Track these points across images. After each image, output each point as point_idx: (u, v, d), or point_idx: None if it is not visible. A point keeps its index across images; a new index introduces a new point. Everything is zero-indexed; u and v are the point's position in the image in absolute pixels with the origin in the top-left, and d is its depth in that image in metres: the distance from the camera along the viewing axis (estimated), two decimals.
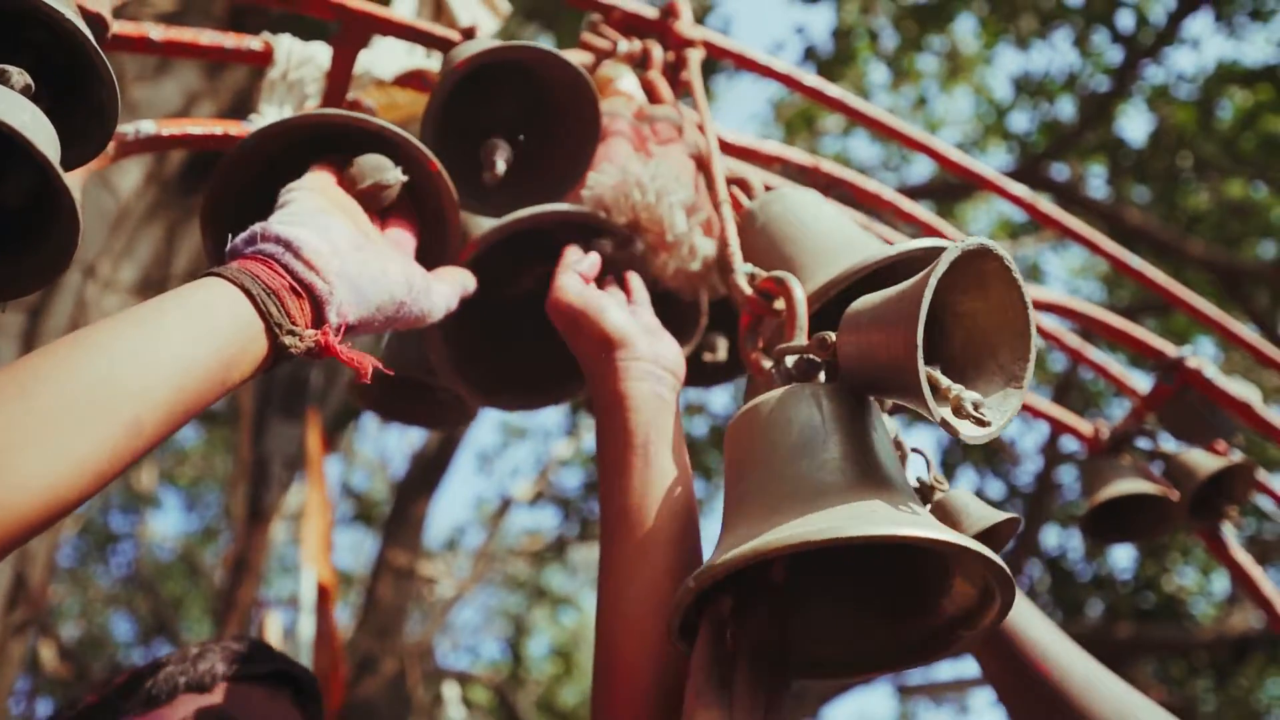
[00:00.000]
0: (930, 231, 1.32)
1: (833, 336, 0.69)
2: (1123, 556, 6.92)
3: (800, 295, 0.77)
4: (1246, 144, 5.51)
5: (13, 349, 2.73)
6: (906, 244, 0.80)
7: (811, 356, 0.72)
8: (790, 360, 0.74)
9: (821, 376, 0.74)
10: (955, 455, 6.35)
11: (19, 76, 0.62)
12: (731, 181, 1.01)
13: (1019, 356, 0.65)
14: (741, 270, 0.84)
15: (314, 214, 0.69)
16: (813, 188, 1.08)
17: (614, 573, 0.75)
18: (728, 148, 1.17)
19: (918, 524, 0.60)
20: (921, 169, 7.01)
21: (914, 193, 5.87)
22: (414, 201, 0.81)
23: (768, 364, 0.78)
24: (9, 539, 0.47)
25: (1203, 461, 1.24)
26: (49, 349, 0.53)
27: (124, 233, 3.19)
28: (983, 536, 0.83)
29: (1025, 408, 1.42)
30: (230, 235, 0.66)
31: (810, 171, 1.25)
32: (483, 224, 0.97)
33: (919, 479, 0.86)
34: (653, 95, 1.14)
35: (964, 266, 0.63)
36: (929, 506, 0.86)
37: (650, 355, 0.83)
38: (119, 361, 0.53)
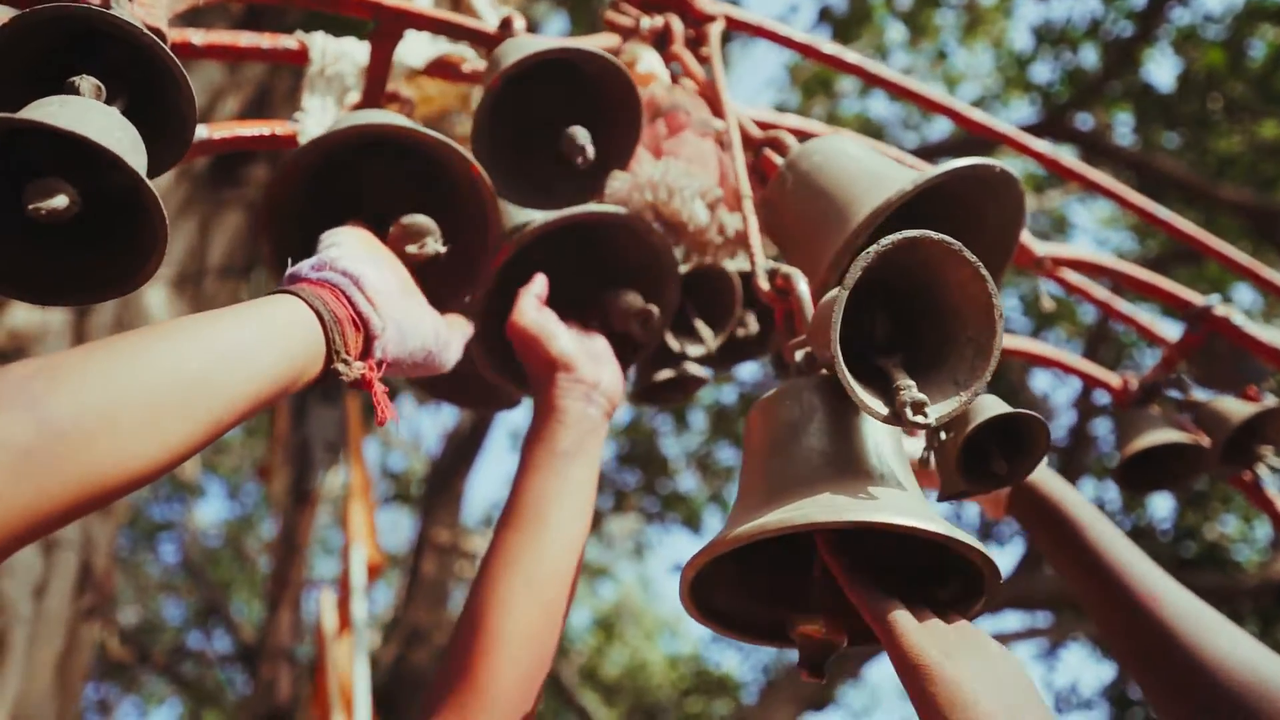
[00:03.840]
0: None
1: None
2: (1162, 506, 6.88)
3: (804, 289, 0.79)
4: (1279, 83, 5.39)
5: (62, 348, 2.82)
6: (922, 175, 0.80)
7: (810, 349, 0.75)
8: (799, 354, 0.77)
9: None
10: None
11: (86, 82, 0.65)
12: (764, 143, 1.02)
13: (986, 327, 0.66)
14: (762, 269, 0.86)
15: (368, 257, 0.74)
16: None
17: (501, 556, 0.81)
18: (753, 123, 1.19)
19: (864, 509, 0.62)
20: (943, 125, 6.92)
21: (935, 149, 5.81)
22: (456, 205, 0.85)
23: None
24: (99, 502, 0.51)
25: (1234, 408, 1.26)
26: (161, 332, 0.57)
27: None
28: (1014, 444, 0.79)
29: (1054, 363, 1.44)
30: (288, 239, 0.70)
31: (850, 136, 1.27)
32: (514, 216, 1.01)
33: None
34: (680, 70, 1.16)
35: (909, 253, 0.65)
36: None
37: (591, 378, 0.91)
38: (218, 364, 0.58)
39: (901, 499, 0.65)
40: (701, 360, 1.14)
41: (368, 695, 2.78)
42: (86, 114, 0.62)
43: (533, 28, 1.02)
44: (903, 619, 0.63)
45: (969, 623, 0.65)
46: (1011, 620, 7.07)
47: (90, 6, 0.65)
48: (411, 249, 0.80)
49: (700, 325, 1.10)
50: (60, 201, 0.60)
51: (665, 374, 1.11)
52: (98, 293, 0.67)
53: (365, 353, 0.70)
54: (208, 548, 9.73)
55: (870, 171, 0.85)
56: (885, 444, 0.71)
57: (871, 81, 1.39)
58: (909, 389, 0.65)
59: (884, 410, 0.65)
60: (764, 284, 0.86)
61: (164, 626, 9.44)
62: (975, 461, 0.75)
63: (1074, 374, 1.43)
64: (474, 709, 0.74)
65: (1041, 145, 1.44)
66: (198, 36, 1.03)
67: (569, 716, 8.40)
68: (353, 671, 2.75)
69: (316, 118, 1.03)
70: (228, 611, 7.83)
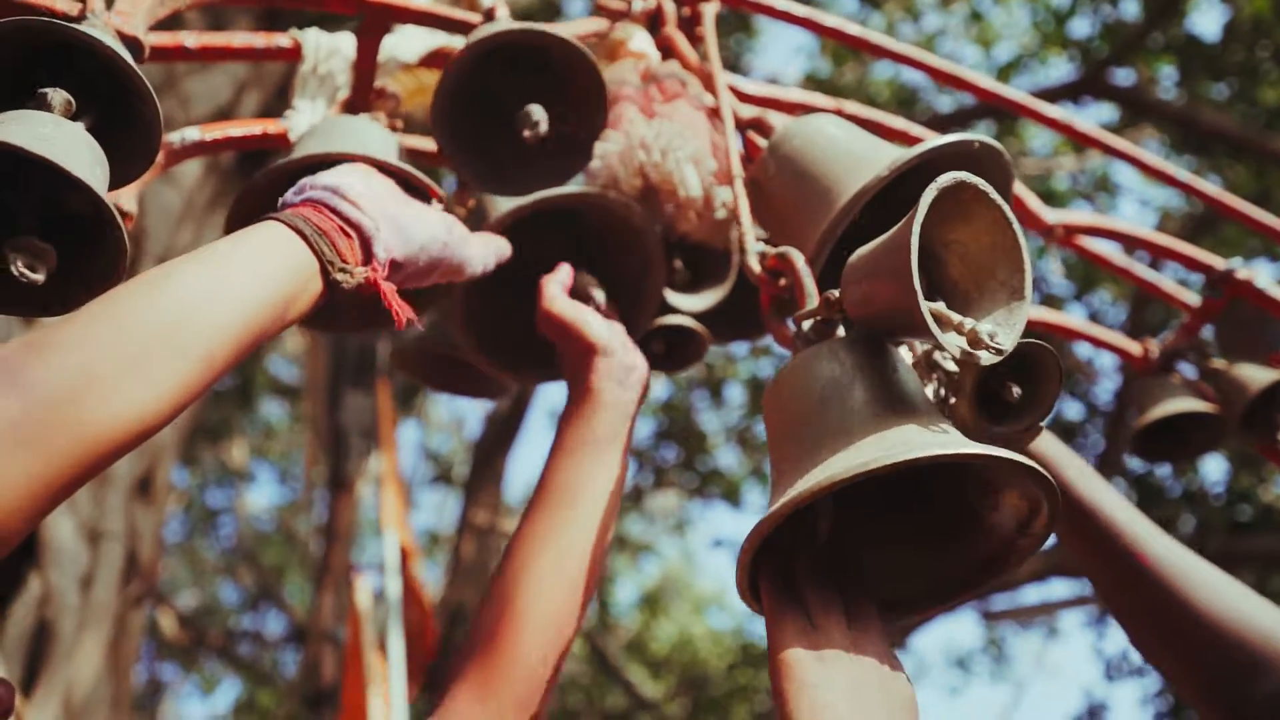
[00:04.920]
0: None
1: (836, 294, 0.71)
2: (1214, 469, 6.71)
3: (802, 266, 0.79)
4: None
5: None
6: (902, 155, 0.79)
7: (824, 317, 0.75)
8: (808, 325, 0.77)
9: (840, 331, 0.76)
10: None
11: (57, 95, 0.66)
12: (749, 124, 1.01)
13: (1015, 270, 0.67)
14: (753, 252, 0.85)
15: (353, 170, 0.75)
16: None
17: (530, 538, 0.83)
18: (749, 99, 1.17)
19: (941, 444, 0.61)
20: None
21: (970, 114, 5.67)
22: None
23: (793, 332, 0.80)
24: (103, 460, 0.52)
25: (1254, 375, 1.22)
26: (133, 285, 0.57)
27: (190, 224, 3.32)
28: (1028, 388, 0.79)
29: (1072, 332, 1.41)
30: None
31: (834, 115, 1.24)
32: (499, 205, 1.01)
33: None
34: (671, 53, 1.14)
35: (944, 201, 0.65)
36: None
37: (627, 362, 0.92)
38: (195, 300, 0.58)
39: (948, 432, 0.65)
40: (716, 325, 1.13)
41: (403, 675, 2.84)
42: (72, 146, 0.63)
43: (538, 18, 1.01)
44: (795, 623, 0.62)
45: (883, 644, 0.64)
46: (1059, 588, 6.98)
47: (52, 20, 0.66)
48: None
49: (678, 296, 1.09)
50: (40, 276, 0.61)
51: (656, 337, 1.11)
52: (50, 306, 0.67)
53: (368, 258, 0.70)
54: (260, 532, 9.98)
55: (849, 154, 0.84)
56: (925, 390, 0.72)
57: (877, 53, 1.36)
58: (972, 322, 0.65)
59: (958, 346, 0.64)
60: (755, 266, 0.85)
61: (221, 610, 9.73)
62: (994, 408, 0.75)
63: (1092, 341, 1.41)
64: (497, 682, 0.76)
65: (1055, 111, 1.40)
66: (190, 39, 1.04)
67: (616, 691, 8.51)
68: (389, 651, 2.81)
69: (306, 116, 1.04)
70: (280, 594, 8.04)
